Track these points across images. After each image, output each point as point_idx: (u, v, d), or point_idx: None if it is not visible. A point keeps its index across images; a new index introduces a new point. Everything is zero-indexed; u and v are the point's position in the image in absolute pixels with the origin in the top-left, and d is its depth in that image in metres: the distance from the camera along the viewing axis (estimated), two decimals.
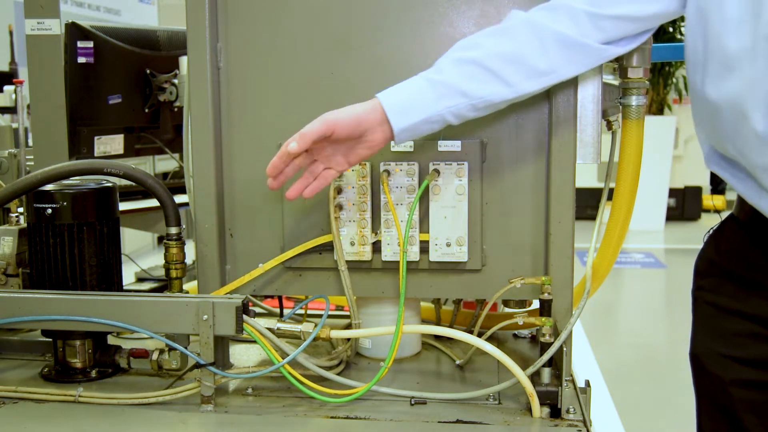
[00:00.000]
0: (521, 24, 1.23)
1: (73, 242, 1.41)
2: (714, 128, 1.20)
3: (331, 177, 1.26)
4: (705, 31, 1.16)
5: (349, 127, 1.20)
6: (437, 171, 1.37)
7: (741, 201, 1.26)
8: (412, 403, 1.33)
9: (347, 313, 1.72)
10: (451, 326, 1.60)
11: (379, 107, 1.22)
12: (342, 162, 1.25)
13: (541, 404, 1.27)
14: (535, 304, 1.50)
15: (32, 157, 2.00)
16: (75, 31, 1.91)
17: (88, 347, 1.45)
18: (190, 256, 1.49)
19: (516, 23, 1.23)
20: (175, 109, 2.11)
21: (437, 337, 1.64)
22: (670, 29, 9.24)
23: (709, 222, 8.27)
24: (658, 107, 8.25)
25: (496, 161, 1.40)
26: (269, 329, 1.34)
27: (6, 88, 3.18)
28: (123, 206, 1.82)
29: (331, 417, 1.28)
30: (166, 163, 2.71)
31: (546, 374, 1.28)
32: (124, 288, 1.58)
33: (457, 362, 1.52)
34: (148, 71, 2.09)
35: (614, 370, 4.08)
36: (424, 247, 1.41)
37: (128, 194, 2.34)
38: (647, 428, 3.44)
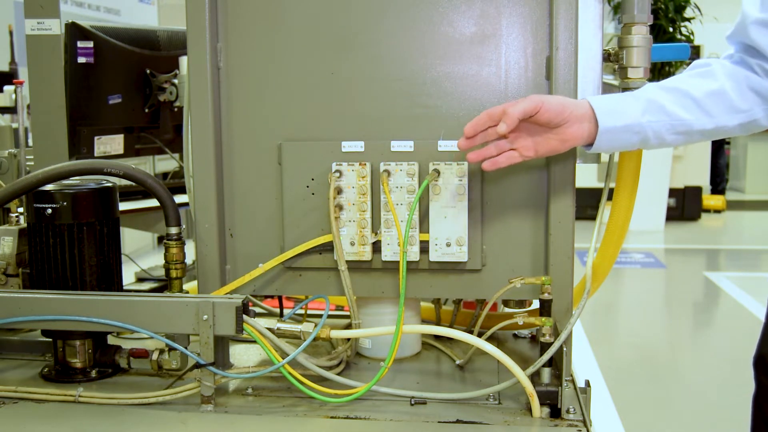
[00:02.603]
0: (718, 67, 1.29)
1: (73, 242, 1.41)
2: None
3: (514, 159, 1.26)
4: None
5: (553, 110, 1.21)
6: (437, 171, 1.37)
7: None
8: (412, 403, 1.33)
9: (347, 313, 1.72)
10: (451, 326, 1.60)
11: (587, 104, 1.24)
12: (530, 147, 1.25)
13: (541, 404, 1.27)
14: (535, 304, 1.50)
15: (32, 157, 2.00)
16: (75, 31, 1.91)
17: (88, 347, 1.45)
18: (190, 256, 1.49)
19: (713, 68, 1.30)
20: (175, 109, 2.11)
21: (437, 337, 1.64)
22: (670, 29, 9.25)
23: (709, 222, 8.22)
24: None
25: None
26: (269, 329, 1.34)
27: (6, 88, 3.18)
28: (123, 206, 1.82)
29: (331, 417, 1.28)
30: (166, 163, 2.72)
31: (546, 374, 1.28)
32: (124, 288, 1.58)
33: (457, 362, 1.52)
34: (148, 71, 2.09)
35: (614, 370, 4.08)
36: (424, 247, 1.41)
37: (128, 194, 2.34)
38: (647, 428, 3.44)
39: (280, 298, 1.62)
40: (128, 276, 2.10)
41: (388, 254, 1.41)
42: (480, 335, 1.36)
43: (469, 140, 1.24)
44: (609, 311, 5.40)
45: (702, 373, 4.14)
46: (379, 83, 1.42)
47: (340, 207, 1.41)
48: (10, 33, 5.01)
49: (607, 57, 1.40)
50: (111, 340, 1.57)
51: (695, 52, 8.52)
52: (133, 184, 1.44)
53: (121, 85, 2.05)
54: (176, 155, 2.29)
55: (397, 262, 1.37)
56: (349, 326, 1.50)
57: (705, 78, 1.29)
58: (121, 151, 2.09)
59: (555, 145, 1.25)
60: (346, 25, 1.41)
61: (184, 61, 1.80)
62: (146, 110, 2.12)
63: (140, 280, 2.35)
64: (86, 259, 1.42)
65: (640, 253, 6.99)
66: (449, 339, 1.50)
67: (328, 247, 1.44)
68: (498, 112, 1.21)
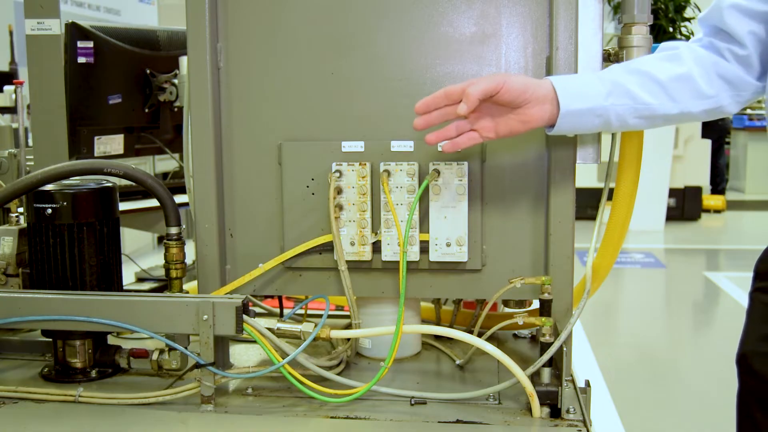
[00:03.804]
0: (685, 51, 1.28)
1: (73, 242, 1.41)
2: None
3: (475, 140, 1.23)
4: None
5: (515, 90, 1.19)
6: (437, 171, 1.37)
7: None
8: (412, 403, 1.33)
9: (347, 313, 1.72)
10: (451, 326, 1.60)
11: (549, 85, 1.22)
12: (490, 128, 1.22)
13: (541, 404, 1.27)
14: (535, 304, 1.50)
15: (32, 157, 2.00)
16: (75, 31, 1.91)
17: (88, 347, 1.45)
18: (190, 256, 1.49)
19: (681, 51, 1.28)
20: (175, 109, 2.11)
21: (437, 337, 1.64)
22: (670, 29, 9.24)
23: (709, 222, 8.20)
24: None
25: (496, 161, 1.40)
26: (269, 329, 1.34)
27: (6, 88, 3.19)
28: (123, 206, 1.82)
29: (331, 417, 1.28)
30: (166, 163, 2.72)
31: (546, 374, 1.28)
32: (124, 288, 1.58)
33: (457, 362, 1.52)
34: (148, 71, 2.09)
35: (614, 370, 4.08)
36: (424, 247, 1.41)
37: (128, 194, 2.34)
38: (647, 428, 3.44)
39: (280, 298, 1.62)
40: (128, 276, 2.10)
41: (388, 254, 1.41)
42: (480, 335, 1.36)
43: (426, 118, 1.20)
44: (609, 311, 5.39)
45: (702, 373, 4.14)
46: (379, 83, 1.42)
47: (340, 207, 1.41)
48: (10, 33, 5.02)
49: (607, 57, 1.40)
50: (111, 340, 1.57)
51: None
52: (133, 184, 1.44)
53: (121, 85, 2.05)
54: (176, 155, 2.29)
55: (397, 262, 1.37)
56: (349, 326, 1.50)
57: (672, 62, 1.27)
58: (121, 151, 2.09)
59: (515, 126, 1.22)
60: (346, 25, 1.41)
61: (184, 61, 1.80)
62: (146, 110, 2.12)
63: (140, 280, 2.35)
64: (86, 259, 1.42)
65: (640, 253, 6.99)
66: (449, 339, 1.50)
67: (328, 247, 1.44)
68: (457, 92, 1.18)
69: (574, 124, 1.23)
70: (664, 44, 1.33)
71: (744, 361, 1.40)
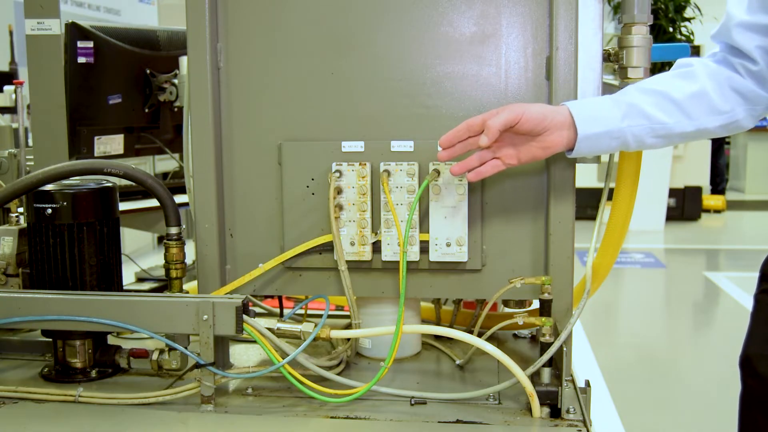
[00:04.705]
0: (699, 67, 1.29)
1: (73, 242, 1.41)
2: None
3: (497, 168, 1.26)
4: None
5: (534, 120, 1.21)
6: (437, 171, 1.37)
7: None
8: (412, 403, 1.33)
9: (347, 313, 1.72)
10: (451, 326, 1.60)
11: (566, 111, 1.24)
12: (512, 156, 1.25)
13: (541, 404, 1.27)
14: (535, 304, 1.50)
15: (32, 157, 2.00)
16: (75, 31, 1.91)
17: (88, 347, 1.45)
18: (190, 256, 1.49)
19: (695, 68, 1.29)
20: (175, 109, 2.11)
21: (437, 337, 1.64)
22: (670, 29, 9.24)
23: (709, 222, 8.20)
24: None
25: None
26: (269, 329, 1.34)
27: (6, 88, 3.19)
28: (123, 206, 1.82)
29: (331, 417, 1.28)
30: (166, 163, 2.72)
31: (546, 374, 1.28)
32: (124, 288, 1.58)
33: (457, 362, 1.52)
34: (148, 71, 2.09)
35: (614, 370, 4.08)
36: (424, 247, 1.41)
37: (128, 194, 2.34)
38: (647, 428, 3.44)
39: (280, 298, 1.62)
40: (128, 276, 2.10)
41: (388, 254, 1.41)
42: (480, 335, 1.36)
43: (449, 151, 1.24)
44: (609, 311, 5.40)
45: (702, 373, 4.14)
46: (379, 83, 1.42)
47: (340, 207, 1.41)
48: (10, 33, 5.02)
49: (607, 57, 1.40)
50: (111, 340, 1.57)
51: (695, 52, 8.52)
52: (133, 184, 1.44)
53: (121, 85, 2.05)
54: (176, 155, 2.29)
55: (397, 262, 1.37)
56: (349, 326, 1.50)
57: (686, 79, 1.28)
58: (121, 151, 2.09)
59: (536, 153, 1.25)
60: (346, 25, 1.41)
61: (184, 61, 1.80)
62: (146, 110, 2.12)
63: (140, 280, 2.35)
64: (86, 259, 1.42)
65: (640, 253, 6.99)
66: (449, 339, 1.50)
67: (328, 247, 1.44)
68: (477, 123, 1.21)
69: (593, 147, 1.25)
70: (679, 61, 1.34)
71: (748, 363, 1.40)
